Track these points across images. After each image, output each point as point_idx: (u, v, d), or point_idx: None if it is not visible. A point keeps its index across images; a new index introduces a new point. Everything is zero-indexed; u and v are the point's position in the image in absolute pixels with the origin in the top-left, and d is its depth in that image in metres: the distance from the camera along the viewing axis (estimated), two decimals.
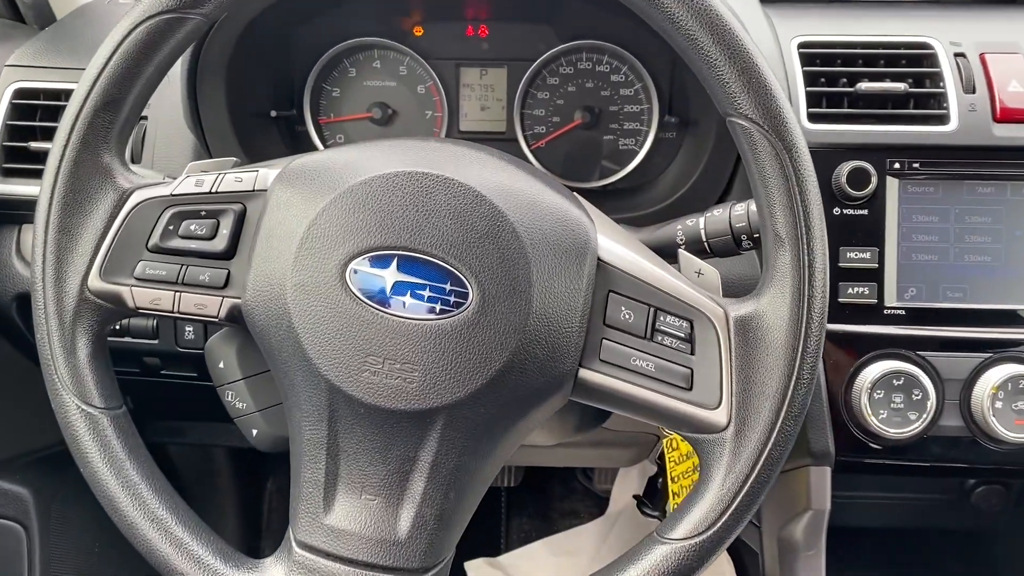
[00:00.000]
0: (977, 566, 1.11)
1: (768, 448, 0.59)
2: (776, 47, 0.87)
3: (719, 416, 0.60)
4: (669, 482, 0.89)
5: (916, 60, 0.85)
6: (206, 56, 0.86)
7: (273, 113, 0.96)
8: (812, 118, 0.84)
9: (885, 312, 0.83)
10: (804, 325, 0.59)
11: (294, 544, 0.62)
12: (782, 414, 0.59)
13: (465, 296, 0.58)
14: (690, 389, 0.61)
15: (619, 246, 0.63)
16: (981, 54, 0.84)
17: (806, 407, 0.59)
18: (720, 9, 0.59)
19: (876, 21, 0.90)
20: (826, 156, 0.83)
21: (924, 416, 0.81)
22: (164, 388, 1.00)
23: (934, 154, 0.83)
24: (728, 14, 0.59)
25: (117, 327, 0.93)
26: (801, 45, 0.87)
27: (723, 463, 0.60)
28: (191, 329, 0.94)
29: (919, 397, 0.81)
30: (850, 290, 0.83)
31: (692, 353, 0.61)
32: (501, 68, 1.01)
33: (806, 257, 0.59)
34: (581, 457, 1.17)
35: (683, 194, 0.92)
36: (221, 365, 0.71)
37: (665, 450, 0.89)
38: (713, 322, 0.61)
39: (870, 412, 0.81)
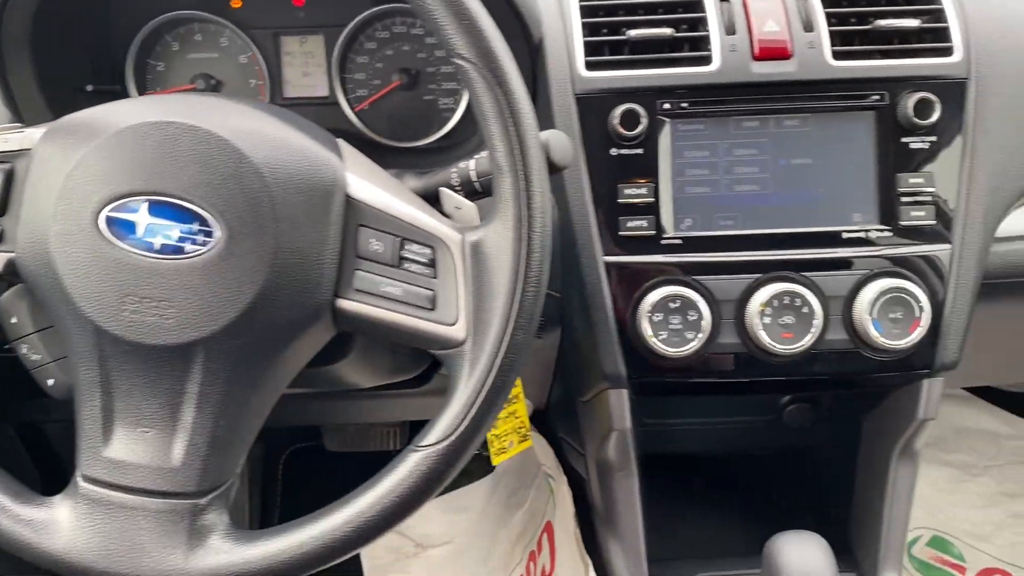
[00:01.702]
0: (795, 484, 1.19)
1: (499, 357, 0.65)
2: (558, 2, 0.92)
3: (458, 332, 0.66)
4: None
5: (686, 6, 0.92)
6: (7, 30, 0.89)
7: (89, 87, 0.99)
8: (588, 66, 0.90)
9: (663, 242, 0.90)
10: (526, 246, 0.65)
11: (79, 478, 0.66)
12: (509, 327, 0.65)
13: (211, 235, 0.63)
14: (433, 309, 0.67)
15: (368, 183, 0.68)
16: None
17: (532, 320, 0.65)
18: None
19: None
20: (602, 101, 0.89)
21: (700, 335, 0.88)
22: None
23: (700, 93, 0.89)
24: None
25: None
26: None
27: (463, 373, 0.66)
28: None
29: (695, 318, 0.88)
30: (630, 223, 0.89)
31: (435, 277, 0.67)
32: (318, 35, 1.05)
33: (523, 184, 0.65)
34: (419, 408, 1.22)
35: None
36: (14, 320, 0.75)
37: None
38: (451, 247, 0.67)
39: (651, 334, 0.88)
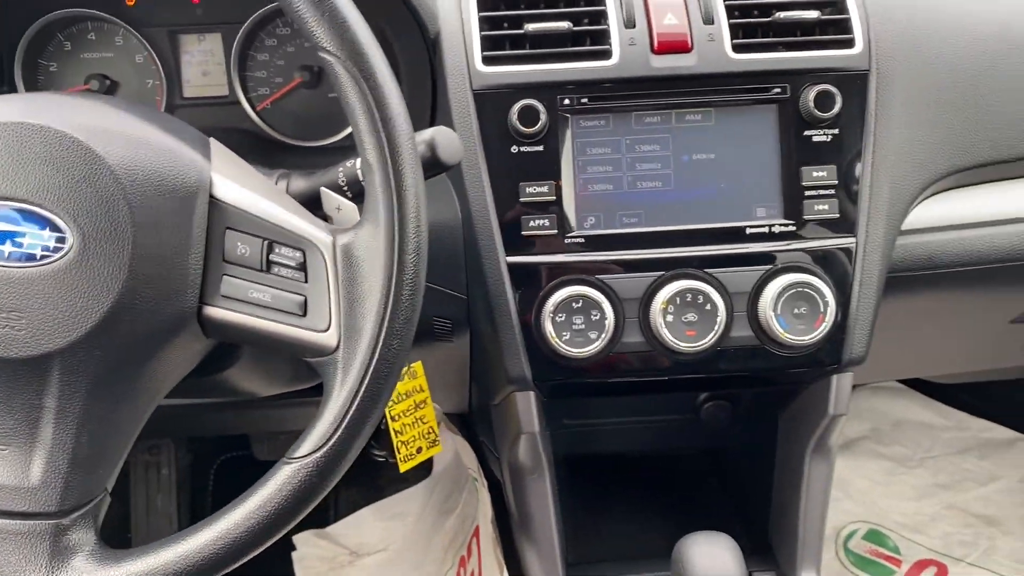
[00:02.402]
0: (718, 482, 1.18)
1: (373, 365, 0.62)
2: None
3: (330, 339, 0.63)
4: (389, 421, 0.92)
5: None
6: None
7: None
8: (486, 61, 0.88)
9: (566, 241, 0.88)
10: (398, 248, 0.62)
11: None
12: (383, 333, 0.62)
13: (64, 241, 0.60)
14: (304, 315, 0.64)
15: (235, 184, 0.65)
16: None
17: (408, 325, 0.63)
18: None
19: None
20: (500, 97, 0.87)
21: (603, 335, 0.86)
22: None
23: (600, 88, 0.88)
24: None
25: None
26: None
27: (336, 382, 0.63)
28: None
29: (597, 317, 0.86)
30: (532, 223, 0.87)
31: (306, 281, 0.64)
32: (216, 33, 1.01)
33: (394, 183, 0.62)
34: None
35: None
36: None
37: None
38: (322, 250, 0.64)
39: (554, 335, 0.86)
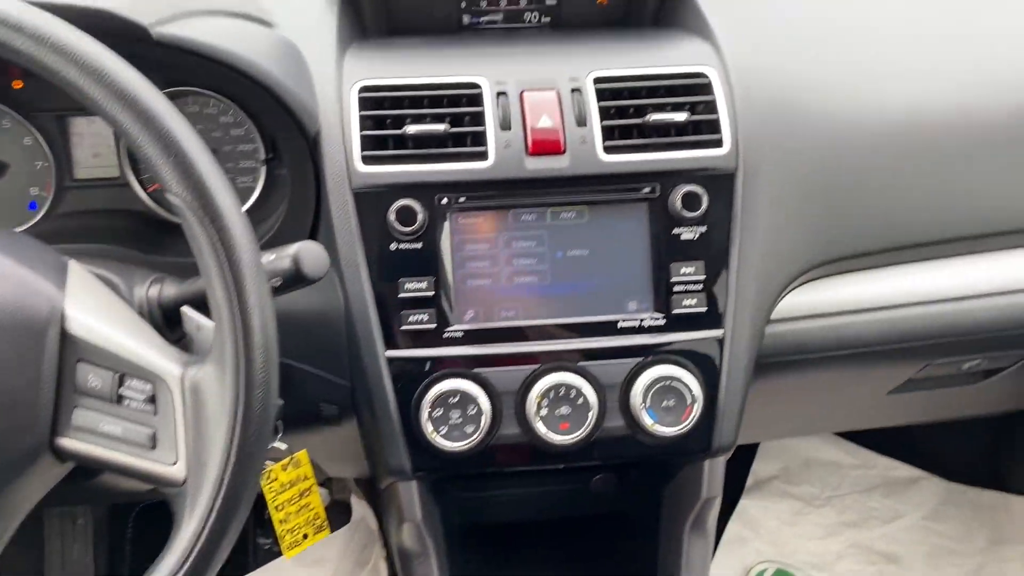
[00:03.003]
0: (611, 551, 1.22)
1: (219, 501, 0.63)
2: (336, 93, 0.92)
3: (178, 473, 0.65)
4: (273, 511, 0.94)
5: (464, 100, 0.92)
6: None
7: None
8: (365, 160, 0.90)
9: (445, 335, 0.90)
10: (244, 386, 0.63)
11: None
12: (228, 470, 0.63)
13: None
14: (154, 448, 0.65)
15: (88, 315, 0.66)
16: (521, 91, 0.92)
17: (253, 464, 0.64)
18: (134, 88, 0.62)
19: (442, 63, 0.96)
20: (379, 196, 0.89)
21: (480, 429, 0.89)
22: None
23: (477, 188, 0.90)
24: (146, 91, 0.63)
25: None
26: (362, 90, 0.92)
27: (184, 515, 0.64)
28: None
29: (474, 412, 0.88)
30: (411, 318, 0.90)
31: (155, 414, 0.66)
32: None
33: (240, 323, 0.64)
34: None
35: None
36: None
37: (262, 483, 0.93)
38: (170, 385, 0.66)
39: (431, 430, 0.88)
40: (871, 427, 1.52)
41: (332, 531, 1.72)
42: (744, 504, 1.83)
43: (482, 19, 1.13)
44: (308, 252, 0.72)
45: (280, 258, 0.73)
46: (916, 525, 1.80)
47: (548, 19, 1.13)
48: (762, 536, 1.78)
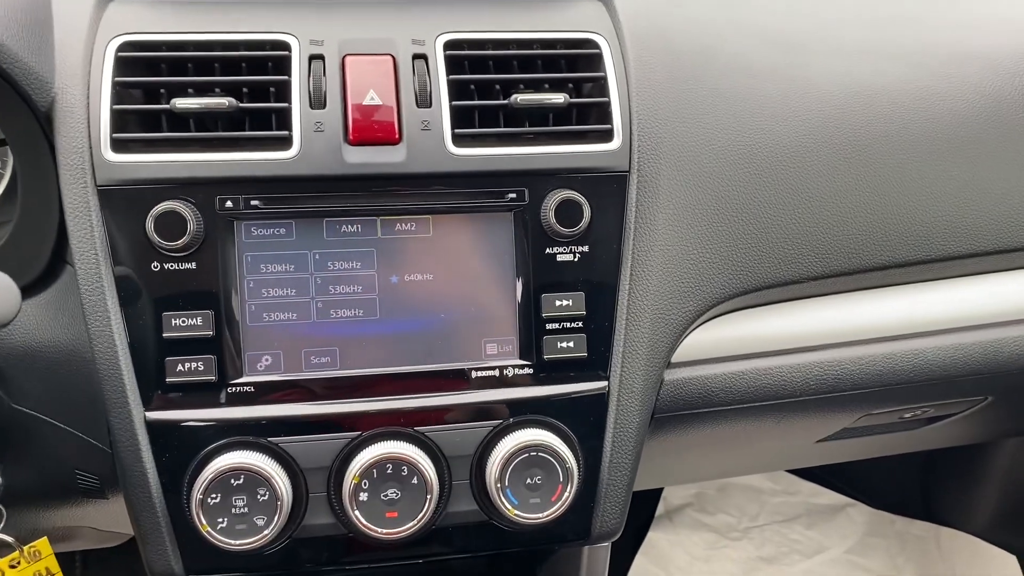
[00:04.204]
0: None
1: None
2: (85, 53, 0.66)
3: None
4: None
5: (258, 65, 0.67)
6: None
7: None
8: (116, 146, 0.64)
9: (229, 391, 0.66)
10: None
11: None
12: None
13: None
14: None
15: None
16: (343, 56, 0.67)
17: None
18: None
19: (238, 15, 0.70)
20: (135, 196, 0.64)
21: (275, 520, 0.64)
22: None
23: (276, 187, 0.65)
24: None
25: None
26: (121, 48, 0.66)
27: None
28: None
29: (266, 497, 0.64)
30: (180, 366, 0.65)
31: None
32: None
33: None
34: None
35: None
36: None
37: None
38: None
39: (204, 521, 0.64)
40: (792, 468, 1.34)
41: None
42: (652, 537, 1.63)
43: None
44: None
45: None
46: (840, 559, 1.63)
47: None
48: (672, 574, 1.59)
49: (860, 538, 1.66)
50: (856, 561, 1.63)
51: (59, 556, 1.53)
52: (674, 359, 0.75)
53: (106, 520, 0.81)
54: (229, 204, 0.65)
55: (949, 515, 1.60)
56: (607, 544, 0.76)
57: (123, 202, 0.64)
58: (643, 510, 1.68)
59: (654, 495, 1.71)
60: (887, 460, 1.51)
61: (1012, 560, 1.46)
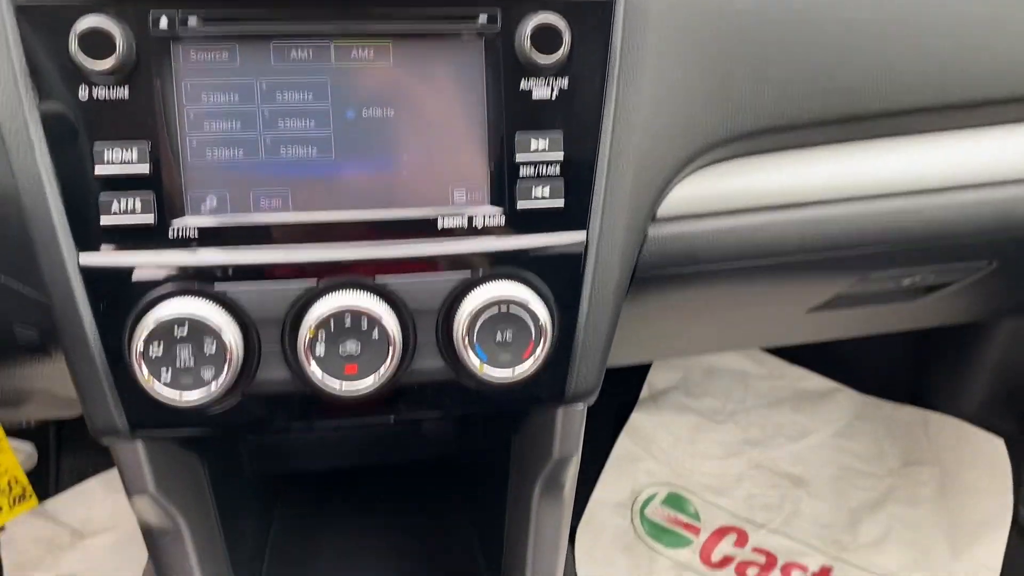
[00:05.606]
0: (459, 497, 0.97)
1: None
2: None
3: None
4: None
5: None
6: None
7: None
8: None
9: (171, 233, 0.60)
10: None
11: None
12: None
13: None
14: None
15: None
16: None
17: None
18: None
19: None
20: (55, 12, 0.56)
21: (223, 373, 0.60)
22: None
23: (216, 2, 0.58)
24: None
25: None
26: None
27: None
28: None
29: (215, 349, 0.59)
30: (116, 206, 0.59)
31: None
32: None
33: None
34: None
35: None
36: None
37: None
38: None
39: (147, 376, 0.59)
40: (780, 345, 1.30)
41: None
42: (636, 418, 1.61)
43: None
44: None
45: None
46: (826, 443, 1.62)
47: None
48: (655, 455, 1.58)
49: (847, 423, 1.65)
50: (842, 445, 1.62)
51: (34, 432, 1.51)
52: (659, 213, 0.70)
53: (52, 381, 0.77)
54: (164, 22, 0.58)
55: (936, 399, 1.59)
56: (582, 411, 0.72)
57: (44, 19, 0.56)
58: (627, 393, 1.66)
59: (638, 378, 1.68)
60: (876, 347, 1.48)
61: (999, 443, 1.45)
